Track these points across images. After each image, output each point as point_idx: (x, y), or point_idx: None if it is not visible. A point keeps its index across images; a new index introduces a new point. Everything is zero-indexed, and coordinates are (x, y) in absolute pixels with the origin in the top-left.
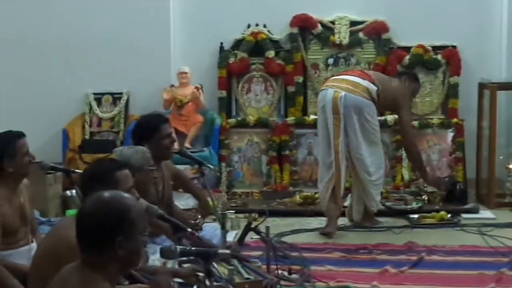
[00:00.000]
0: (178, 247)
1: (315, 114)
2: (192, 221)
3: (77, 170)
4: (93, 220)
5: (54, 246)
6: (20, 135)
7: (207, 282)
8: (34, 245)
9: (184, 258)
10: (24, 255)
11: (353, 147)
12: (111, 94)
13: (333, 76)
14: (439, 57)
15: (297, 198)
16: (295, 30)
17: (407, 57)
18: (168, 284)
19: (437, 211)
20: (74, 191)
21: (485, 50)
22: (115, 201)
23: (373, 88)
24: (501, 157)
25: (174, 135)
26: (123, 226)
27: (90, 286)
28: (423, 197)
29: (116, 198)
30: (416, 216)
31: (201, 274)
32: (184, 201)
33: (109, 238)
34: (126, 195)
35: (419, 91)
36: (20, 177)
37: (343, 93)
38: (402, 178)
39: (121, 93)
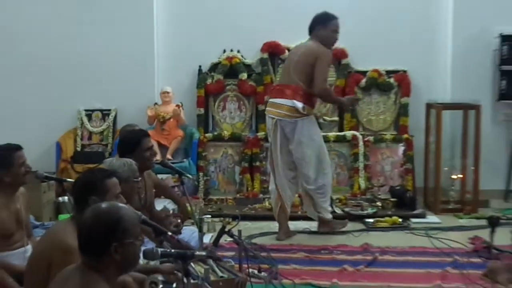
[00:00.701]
0: (159, 249)
1: None
2: (172, 226)
3: (68, 179)
4: (90, 229)
5: (47, 249)
6: (18, 147)
7: (185, 281)
8: (29, 247)
9: (165, 259)
10: (19, 256)
11: (295, 160)
12: (101, 110)
13: (269, 99)
14: (391, 80)
15: (267, 204)
16: (265, 55)
17: (364, 80)
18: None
19: (390, 216)
20: (66, 197)
21: (432, 74)
22: (110, 212)
23: (298, 105)
24: (446, 169)
25: (155, 147)
26: (117, 234)
27: (90, 285)
28: (377, 203)
29: (110, 209)
30: (371, 220)
31: (179, 273)
32: (162, 204)
33: (105, 244)
34: (121, 206)
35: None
36: (17, 186)
37: (276, 119)
38: (359, 187)
39: (109, 110)
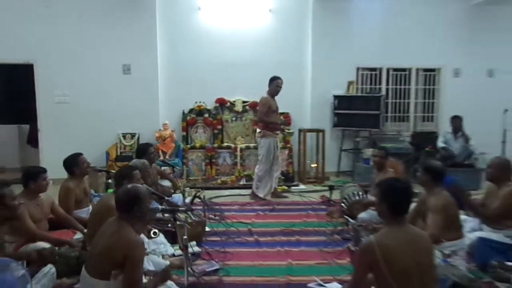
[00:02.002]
0: (160, 206)
1: (227, 144)
2: (167, 194)
3: (112, 171)
4: (122, 198)
5: (100, 208)
6: (81, 154)
7: (177, 222)
8: (90, 207)
9: (165, 211)
10: (85, 212)
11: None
12: (130, 133)
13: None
14: (282, 117)
15: (219, 181)
16: (217, 104)
17: None
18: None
19: (281, 186)
20: (110, 180)
21: (301, 113)
22: (133, 189)
23: (258, 131)
24: (309, 161)
25: (157, 152)
26: (137, 202)
27: (122, 228)
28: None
29: (133, 187)
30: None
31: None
32: (164, 183)
33: (130, 207)
34: (139, 186)
35: (279, 87)
36: (83, 175)
37: (276, 138)
38: None
39: (135, 133)
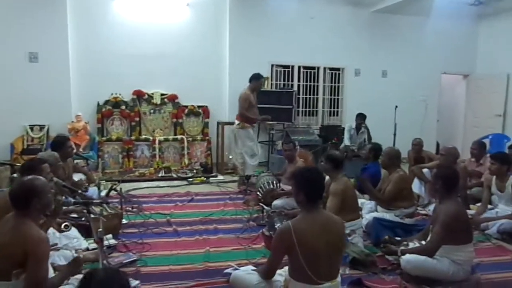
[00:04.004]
0: (72, 200)
1: (145, 136)
2: (83, 188)
3: (17, 164)
4: (17, 193)
5: (1, 202)
6: None
7: (90, 216)
8: None
9: (78, 204)
10: None
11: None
12: (39, 125)
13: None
14: (200, 110)
15: (136, 173)
16: (135, 96)
17: (186, 111)
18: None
19: (200, 177)
20: (15, 174)
21: (220, 107)
22: (28, 182)
23: (237, 123)
24: (226, 153)
25: (73, 145)
26: (35, 195)
27: (21, 224)
28: (194, 171)
29: (28, 180)
30: (191, 179)
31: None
32: (78, 177)
33: (27, 201)
34: (36, 177)
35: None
36: None
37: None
38: (185, 162)
39: (44, 125)
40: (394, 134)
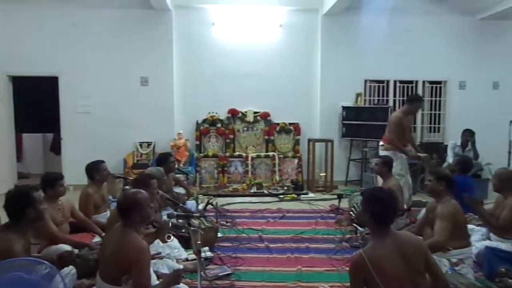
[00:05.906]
0: (175, 212)
1: (239, 153)
2: (182, 201)
3: (129, 177)
4: (121, 204)
5: (115, 213)
6: (102, 161)
7: (191, 228)
8: (108, 212)
9: (180, 216)
10: (103, 217)
11: None
12: (147, 142)
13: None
14: (291, 127)
15: (230, 188)
16: (229, 115)
17: (277, 128)
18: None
19: (291, 194)
20: (128, 186)
21: (310, 124)
22: (130, 195)
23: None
24: (317, 170)
25: (175, 161)
26: (137, 206)
27: (126, 234)
28: (285, 188)
29: (131, 193)
30: (282, 196)
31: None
32: (177, 190)
33: (129, 213)
34: (139, 191)
35: (417, 108)
36: (103, 181)
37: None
38: (276, 179)
39: (151, 142)
40: (509, 152)
